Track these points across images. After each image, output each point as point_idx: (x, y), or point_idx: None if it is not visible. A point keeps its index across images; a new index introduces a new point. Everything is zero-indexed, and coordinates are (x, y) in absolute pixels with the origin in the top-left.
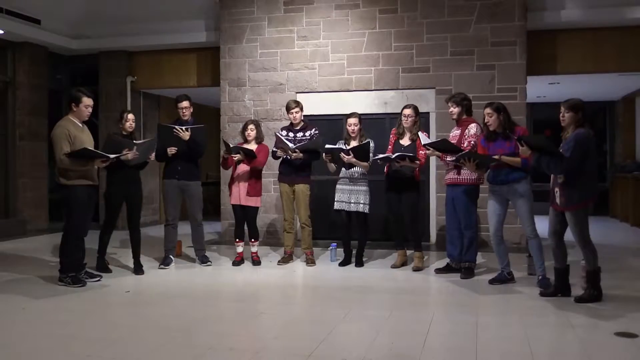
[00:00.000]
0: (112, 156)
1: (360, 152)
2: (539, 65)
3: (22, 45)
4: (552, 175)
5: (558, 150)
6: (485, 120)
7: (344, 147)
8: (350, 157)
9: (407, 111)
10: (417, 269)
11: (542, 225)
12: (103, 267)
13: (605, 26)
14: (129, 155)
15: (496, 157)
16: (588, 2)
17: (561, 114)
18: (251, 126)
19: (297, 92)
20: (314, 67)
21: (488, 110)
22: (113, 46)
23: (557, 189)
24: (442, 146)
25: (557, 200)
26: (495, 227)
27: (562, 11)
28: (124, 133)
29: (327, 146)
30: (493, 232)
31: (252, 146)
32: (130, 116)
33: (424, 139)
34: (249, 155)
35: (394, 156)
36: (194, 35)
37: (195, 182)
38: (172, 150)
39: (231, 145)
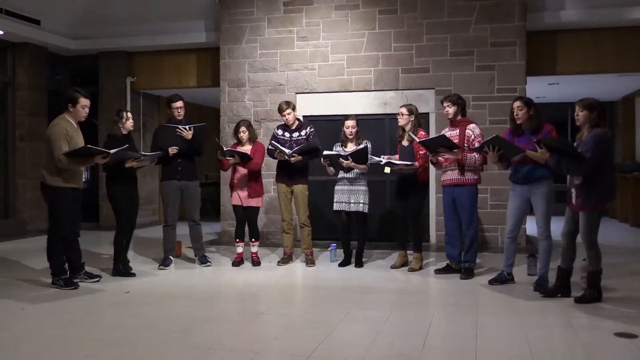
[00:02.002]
0: (112, 151)
1: (359, 156)
2: (538, 65)
3: (21, 46)
4: (569, 175)
5: (578, 152)
6: (515, 114)
7: (342, 150)
8: (349, 162)
9: (400, 110)
10: (411, 270)
11: (556, 225)
12: (121, 272)
13: (604, 26)
14: (134, 164)
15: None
16: (588, 2)
17: (575, 113)
18: (242, 128)
19: (296, 93)
20: (314, 67)
21: (518, 103)
22: (113, 47)
23: (573, 190)
24: (440, 143)
25: (574, 201)
26: (512, 226)
27: (562, 12)
28: (124, 132)
29: (325, 152)
30: (510, 229)
31: (247, 147)
32: (130, 114)
33: (416, 139)
34: (244, 158)
35: (383, 162)
36: (193, 36)
37: (194, 181)
38: (174, 150)
39: (225, 149)
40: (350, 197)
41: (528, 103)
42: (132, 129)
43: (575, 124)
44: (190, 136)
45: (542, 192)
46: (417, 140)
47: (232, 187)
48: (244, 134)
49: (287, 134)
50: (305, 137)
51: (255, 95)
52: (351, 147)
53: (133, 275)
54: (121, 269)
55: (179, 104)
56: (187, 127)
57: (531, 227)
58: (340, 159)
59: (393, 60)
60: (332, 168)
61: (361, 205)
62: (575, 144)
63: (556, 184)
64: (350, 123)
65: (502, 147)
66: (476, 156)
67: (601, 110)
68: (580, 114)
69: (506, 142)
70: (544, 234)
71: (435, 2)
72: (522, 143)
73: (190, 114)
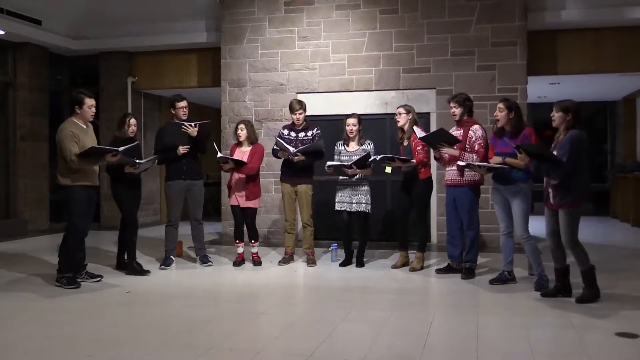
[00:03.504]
0: (121, 149)
1: (362, 162)
2: (539, 65)
3: (22, 46)
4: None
5: (556, 157)
6: (494, 114)
7: (344, 149)
8: (353, 169)
9: (398, 110)
10: (412, 270)
11: (540, 225)
12: (137, 270)
13: (605, 26)
14: (132, 170)
15: (500, 159)
16: (588, 2)
17: (552, 114)
18: (241, 126)
19: (297, 93)
20: (315, 67)
21: (500, 105)
22: (114, 47)
23: (550, 189)
24: (441, 137)
25: (551, 200)
26: (505, 222)
27: (563, 11)
28: (127, 136)
29: (328, 163)
30: (503, 227)
31: (245, 148)
32: (133, 121)
33: (419, 132)
34: (238, 164)
35: (379, 158)
36: (194, 36)
37: (199, 181)
38: (185, 149)
39: (218, 155)
40: (352, 197)
41: (510, 106)
42: (132, 135)
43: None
44: (195, 133)
45: (517, 194)
46: (419, 135)
47: (230, 188)
48: (241, 132)
49: (293, 134)
50: (311, 138)
51: (256, 95)
52: (353, 146)
53: (146, 272)
54: (136, 267)
55: (184, 103)
56: (192, 124)
57: (533, 227)
58: (345, 168)
59: (394, 60)
60: (336, 173)
61: (363, 205)
62: (552, 145)
63: (534, 183)
64: (351, 121)
65: (486, 166)
66: (473, 157)
67: (578, 113)
68: (555, 115)
69: (489, 165)
70: (523, 236)
71: (436, 2)
72: (502, 146)
73: (191, 114)
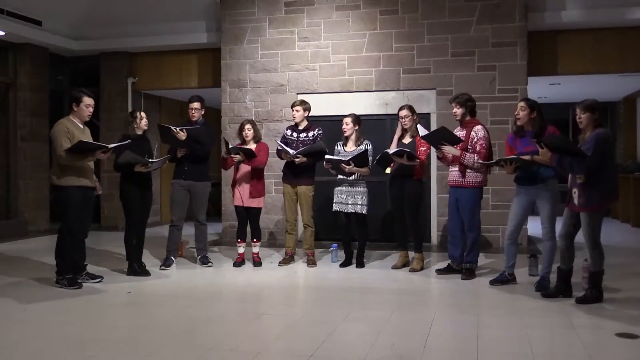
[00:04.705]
0: (110, 146)
1: (360, 160)
2: (539, 66)
3: (23, 47)
4: (570, 175)
5: (579, 149)
6: (516, 113)
7: (342, 149)
8: (351, 166)
9: (403, 112)
10: (412, 270)
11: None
12: (136, 271)
13: (605, 27)
14: (142, 169)
15: (527, 157)
16: (589, 2)
17: (577, 116)
18: (248, 126)
19: (297, 93)
20: (315, 68)
21: (522, 104)
22: (114, 47)
23: (575, 190)
24: (443, 136)
25: (576, 200)
26: (513, 228)
27: (563, 12)
28: (138, 133)
29: (327, 157)
30: (510, 231)
31: (251, 146)
32: (143, 114)
33: (422, 131)
34: (249, 155)
35: (392, 152)
36: (194, 37)
37: (202, 182)
38: (181, 152)
39: (230, 146)
40: (349, 198)
41: (532, 105)
42: (146, 128)
43: (576, 123)
44: (183, 137)
45: (547, 193)
46: (421, 134)
47: (234, 186)
48: (249, 132)
49: (294, 134)
50: (312, 138)
51: (257, 96)
52: (351, 147)
53: (148, 274)
54: (136, 268)
55: (195, 105)
56: (176, 128)
57: (532, 227)
58: (342, 164)
59: (394, 61)
60: (334, 171)
61: (359, 206)
62: (579, 146)
63: (559, 184)
64: (345, 120)
65: (518, 162)
66: (475, 157)
67: (602, 110)
68: (582, 117)
69: (521, 160)
70: (548, 235)
71: (436, 2)
72: (524, 145)
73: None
